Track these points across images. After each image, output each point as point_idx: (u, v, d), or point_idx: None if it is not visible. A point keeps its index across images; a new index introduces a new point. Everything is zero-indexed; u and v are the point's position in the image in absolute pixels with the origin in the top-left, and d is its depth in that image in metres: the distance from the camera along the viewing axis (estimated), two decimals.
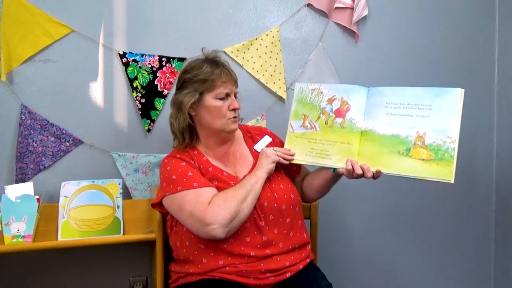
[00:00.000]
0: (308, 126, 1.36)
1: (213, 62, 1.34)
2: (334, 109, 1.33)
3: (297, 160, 1.36)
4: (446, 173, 1.15)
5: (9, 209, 1.38)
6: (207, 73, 1.30)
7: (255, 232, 1.26)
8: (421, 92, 1.23)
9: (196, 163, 1.32)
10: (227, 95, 1.32)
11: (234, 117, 1.34)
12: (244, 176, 1.32)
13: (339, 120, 1.31)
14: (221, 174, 1.32)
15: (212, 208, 1.19)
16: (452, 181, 1.15)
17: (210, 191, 1.25)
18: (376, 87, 1.30)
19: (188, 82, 1.32)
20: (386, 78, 1.96)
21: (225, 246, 1.23)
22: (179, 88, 1.36)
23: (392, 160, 1.21)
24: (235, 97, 1.36)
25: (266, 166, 1.30)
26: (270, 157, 1.31)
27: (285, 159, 1.34)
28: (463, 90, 1.19)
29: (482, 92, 2.13)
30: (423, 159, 1.18)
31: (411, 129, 1.21)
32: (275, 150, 1.34)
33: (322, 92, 1.36)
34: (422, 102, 1.22)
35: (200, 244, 1.25)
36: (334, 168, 1.30)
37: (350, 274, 1.98)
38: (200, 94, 1.31)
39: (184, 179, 1.25)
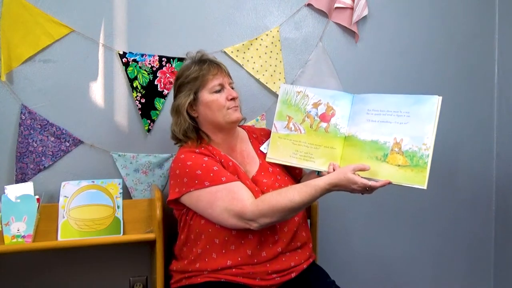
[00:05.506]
0: (293, 128, 1.38)
1: (201, 61, 1.38)
2: (319, 114, 1.35)
3: (282, 161, 1.38)
4: (419, 179, 1.16)
5: (9, 209, 1.39)
6: (196, 71, 1.34)
7: (268, 232, 1.28)
8: (401, 99, 1.25)
9: (217, 157, 1.32)
10: (222, 86, 1.35)
11: (235, 106, 1.35)
12: (253, 177, 1.34)
13: (324, 124, 1.33)
14: (239, 170, 1.33)
15: (257, 209, 1.18)
16: (425, 188, 1.15)
17: (241, 186, 1.25)
18: (361, 94, 1.32)
19: (182, 85, 1.36)
20: (386, 78, 1.96)
21: (237, 246, 1.26)
22: (176, 95, 1.39)
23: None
24: (232, 88, 1.39)
25: (347, 188, 1.21)
26: (357, 183, 1.18)
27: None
28: (440, 97, 1.19)
29: (482, 92, 2.13)
30: (399, 165, 1.20)
31: (390, 135, 1.23)
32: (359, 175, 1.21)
33: (307, 96, 1.38)
34: (401, 109, 1.23)
35: (216, 239, 1.26)
36: (318, 171, 1.33)
37: (350, 274, 1.98)
38: (195, 93, 1.34)
39: (211, 174, 1.24)
